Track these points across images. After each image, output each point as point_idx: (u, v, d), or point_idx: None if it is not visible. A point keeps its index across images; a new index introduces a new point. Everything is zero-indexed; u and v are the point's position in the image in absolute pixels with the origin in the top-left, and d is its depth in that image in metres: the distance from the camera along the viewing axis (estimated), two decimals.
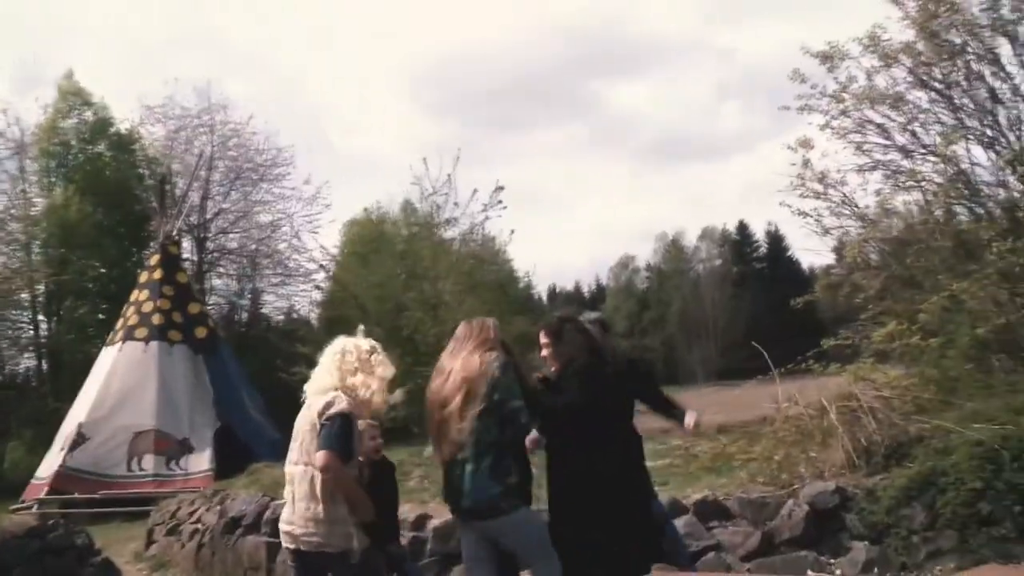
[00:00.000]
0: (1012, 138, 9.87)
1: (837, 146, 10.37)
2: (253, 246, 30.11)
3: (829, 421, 7.24)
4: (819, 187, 10.16)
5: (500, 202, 14.17)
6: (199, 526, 9.28)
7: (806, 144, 10.35)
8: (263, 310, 32.83)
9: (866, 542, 6.18)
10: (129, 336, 17.25)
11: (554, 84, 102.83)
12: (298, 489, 4.10)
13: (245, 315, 32.24)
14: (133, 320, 17.53)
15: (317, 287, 27.48)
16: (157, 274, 18.09)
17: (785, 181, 10.43)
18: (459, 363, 4.34)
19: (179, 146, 28.55)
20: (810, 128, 10.40)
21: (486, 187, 14.40)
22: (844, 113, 10.33)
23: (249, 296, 32.02)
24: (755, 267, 68.38)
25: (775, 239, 68.29)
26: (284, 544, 4.27)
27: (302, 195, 29.80)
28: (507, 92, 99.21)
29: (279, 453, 15.90)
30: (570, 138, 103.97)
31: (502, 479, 4.18)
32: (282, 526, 4.22)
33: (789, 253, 66.89)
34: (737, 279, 65.31)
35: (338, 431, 3.95)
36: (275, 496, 8.75)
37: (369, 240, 26.90)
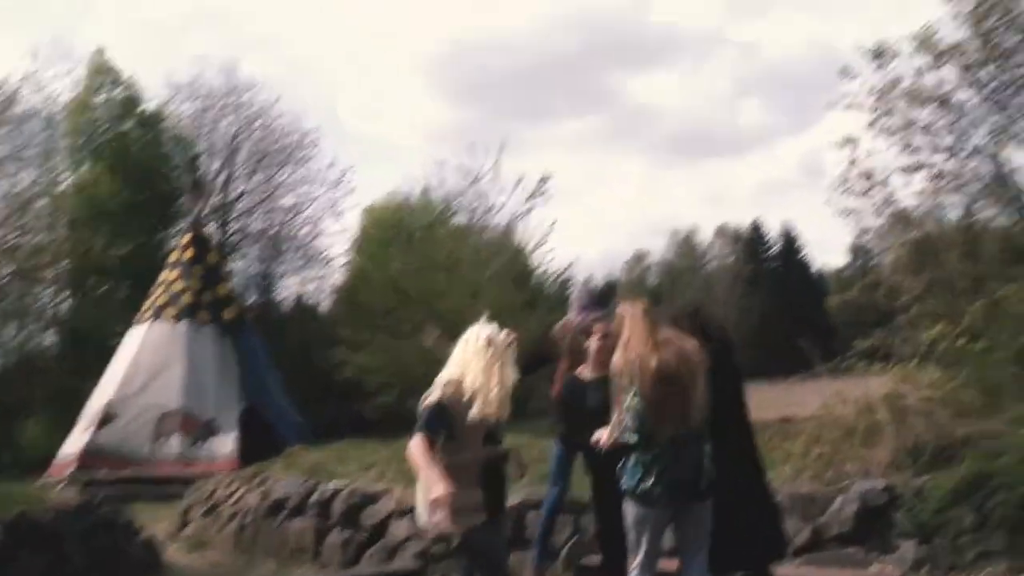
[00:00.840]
0: None
1: (882, 145, 10.44)
2: (275, 229, 30.30)
3: (874, 420, 7.30)
4: (864, 185, 10.22)
5: (544, 192, 14.08)
6: (239, 507, 9.37)
7: (851, 142, 10.41)
8: (282, 293, 33.03)
9: (915, 540, 6.22)
10: (158, 315, 17.35)
11: (573, 74, 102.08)
12: None
13: (258, 298, 32.27)
14: (162, 299, 17.61)
15: (348, 267, 27.22)
16: (188, 254, 18.16)
17: (827, 179, 10.54)
18: (685, 342, 4.32)
19: (205, 126, 28.70)
20: (839, 126, 10.49)
21: (509, 175, 14.25)
22: (890, 112, 10.37)
23: (263, 279, 32.13)
24: (768, 266, 68.09)
25: (789, 239, 68.09)
26: None
27: (326, 178, 29.95)
28: (525, 80, 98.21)
29: (302, 436, 16.10)
30: (588, 129, 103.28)
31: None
32: None
33: (802, 254, 66.84)
34: (749, 278, 65.08)
35: (426, 416, 4.27)
36: (318, 480, 8.89)
37: (389, 226, 26.94)
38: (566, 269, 21.17)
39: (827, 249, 77.69)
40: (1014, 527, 6.02)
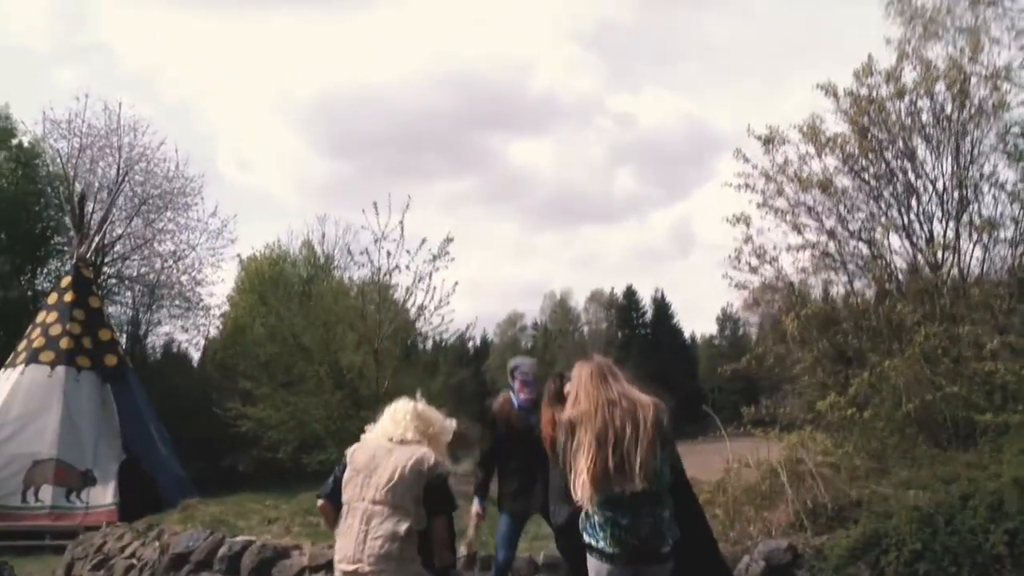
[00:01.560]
0: (925, 229, 10.83)
1: (770, 223, 11.14)
2: (153, 275, 29.23)
3: (775, 482, 7.77)
4: (756, 261, 10.87)
5: (448, 253, 14.18)
6: (134, 561, 9.03)
7: (743, 219, 11.08)
8: (154, 341, 31.92)
9: None
10: (33, 359, 16.45)
11: (452, 135, 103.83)
12: (376, 528, 4.17)
13: (129, 344, 30.94)
14: (39, 342, 16.73)
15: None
16: (68, 296, 17.34)
17: (723, 253, 11.13)
18: (636, 396, 4.25)
19: (83, 165, 27.37)
20: (711, 199, 11.17)
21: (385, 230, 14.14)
22: (779, 193, 11.12)
23: (134, 325, 30.94)
24: (640, 332, 70.13)
25: (660, 306, 70.49)
26: None
27: (208, 227, 29.22)
28: (403, 138, 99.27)
29: (185, 490, 15.61)
30: (464, 190, 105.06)
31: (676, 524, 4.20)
32: (343, 565, 4.25)
33: (674, 321, 69.38)
34: (622, 343, 66.82)
35: (449, 491, 4.29)
36: (223, 533, 8.67)
37: (268, 278, 26.56)
38: (466, 330, 21.46)
39: (695, 317, 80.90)
40: None
